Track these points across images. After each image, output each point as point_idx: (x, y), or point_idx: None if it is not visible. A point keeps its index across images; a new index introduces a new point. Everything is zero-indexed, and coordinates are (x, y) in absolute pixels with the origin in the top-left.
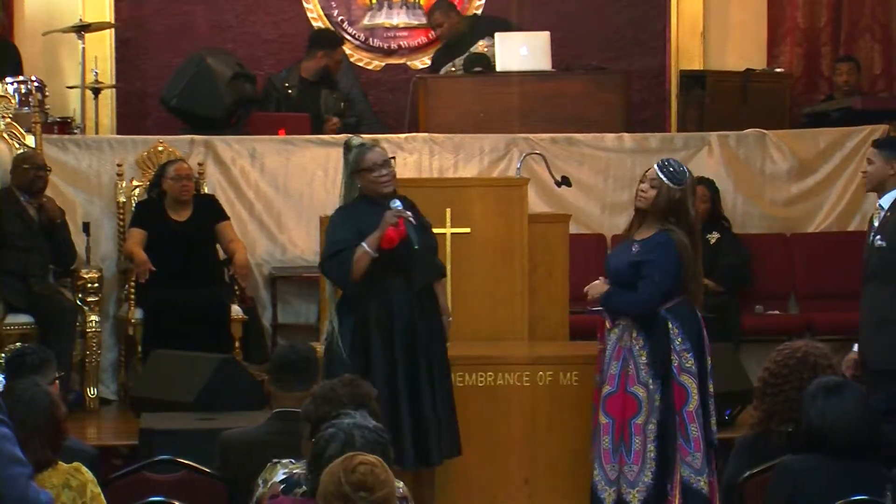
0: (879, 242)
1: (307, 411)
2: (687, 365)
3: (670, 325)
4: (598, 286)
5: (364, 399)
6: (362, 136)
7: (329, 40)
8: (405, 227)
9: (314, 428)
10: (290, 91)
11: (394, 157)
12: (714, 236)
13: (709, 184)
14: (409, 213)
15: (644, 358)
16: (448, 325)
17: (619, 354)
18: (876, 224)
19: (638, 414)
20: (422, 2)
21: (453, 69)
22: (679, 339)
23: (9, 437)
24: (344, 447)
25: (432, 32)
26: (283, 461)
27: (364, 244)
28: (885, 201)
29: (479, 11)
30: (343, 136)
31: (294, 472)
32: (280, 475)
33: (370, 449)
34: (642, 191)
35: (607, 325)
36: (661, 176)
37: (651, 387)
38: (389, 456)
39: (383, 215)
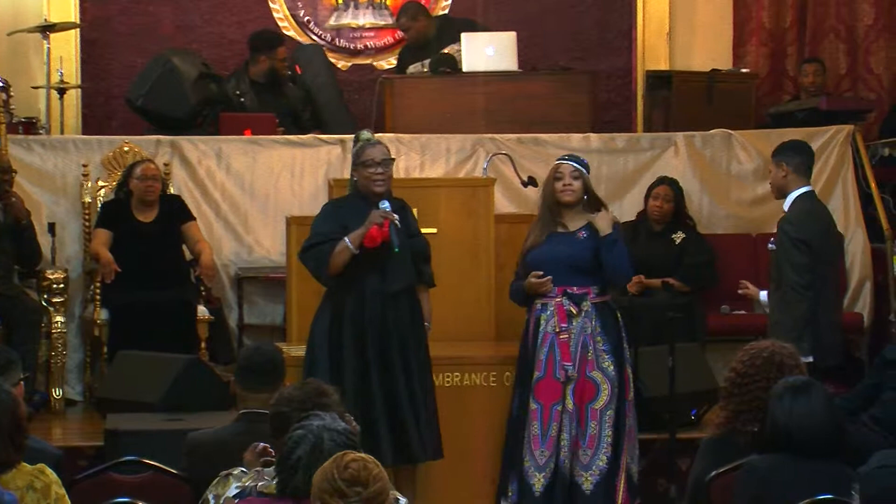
0: (771, 246)
1: (272, 409)
2: (627, 355)
3: (618, 315)
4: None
5: (324, 404)
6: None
7: (267, 42)
8: (389, 228)
9: (276, 431)
10: (242, 100)
11: (393, 159)
12: (679, 236)
13: (672, 183)
14: (395, 215)
15: (601, 344)
16: (427, 331)
17: (580, 341)
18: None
19: (596, 399)
20: (388, 2)
21: (423, 69)
22: (623, 331)
23: None
24: (313, 449)
25: (399, 33)
26: (235, 472)
27: (346, 239)
28: (786, 204)
29: (446, 12)
30: (307, 137)
31: (246, 484)
32: (233, 489)
33: (338, 452)
34: (567, 185)
35: (573, 311)
36: (580, 167)
37: (612, 373)
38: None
39: (369, 213)
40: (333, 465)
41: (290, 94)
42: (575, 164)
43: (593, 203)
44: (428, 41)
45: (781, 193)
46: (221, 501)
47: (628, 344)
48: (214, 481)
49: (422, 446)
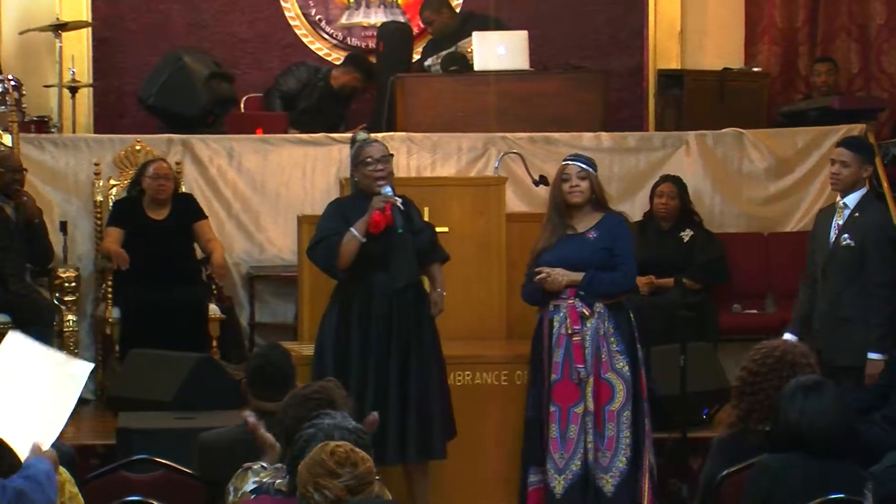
0: (847, 241)
1: (280, 421)
2: (640, 355)
3: (631, 315)
4: (561, 272)
5: (333, 406)
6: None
7: (364, 66)
8: (392, 212)
9: (288, 435)
10: (321, 82)
11: (392, 155)
12: (688, 234)
13: (675, 180)
14: (397, 198)
15: (615, 345)
16: (440, 298)
17: (593, 343)
18: (840, 222)
19: (612, 400)
20: (400, 1)
21: (438, 61)
22: (636, 330)
23: None
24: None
25: (422, 25)
26: (255, 467)
27: (352, 229)
28: (851, 200)
29: (457, 10)
30: (318, 136)
31: (264, 480)
32: (251, 484)
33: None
34: (575, 186)
35: (586, 312)
36: (587, 167)
37: (627, 374)
38: (370, 457)
39: (371, 200)
40: (320, 452)
41: (342, 112)
42: (581, 165)
43: (601, 202)
44: (451, 35)
45: (849, 190)
46: (239, 495)
47: (640, 344)
48: (236, 473)
49: (400, 450)
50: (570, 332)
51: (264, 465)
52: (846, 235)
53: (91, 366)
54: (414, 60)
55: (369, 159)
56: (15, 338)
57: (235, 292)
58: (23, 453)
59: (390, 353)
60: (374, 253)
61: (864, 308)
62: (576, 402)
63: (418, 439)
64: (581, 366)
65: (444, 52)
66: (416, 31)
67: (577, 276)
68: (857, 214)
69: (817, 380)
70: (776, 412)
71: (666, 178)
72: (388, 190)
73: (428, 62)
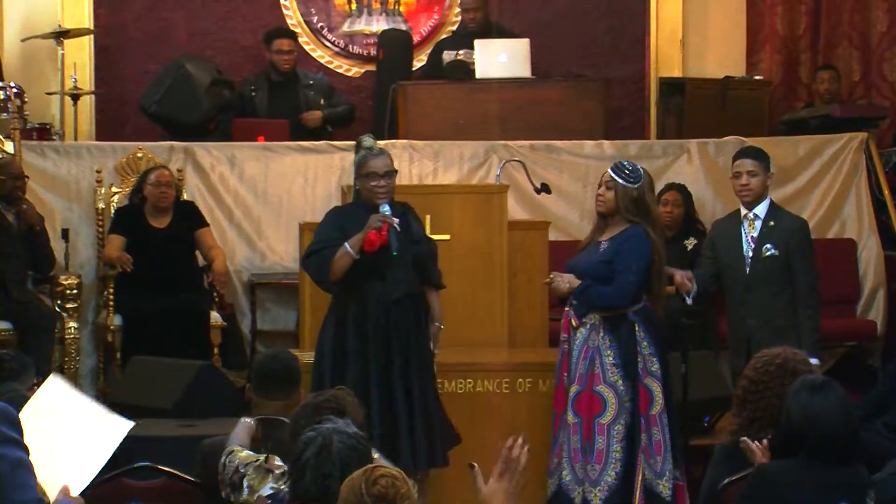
0: (772, 251)
1: (291, 431)
2: (652, 368)
3: (637, 328)
4: (566, 278)
5: (344, 415)
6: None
7: (267, 35)
8: (388, 232)
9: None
10: (253, 95)
11: (396, 171)
12: (691, 242)
13: (681, 189)
14: (395, 219)
15: (611, 358)
16: (438, 332)
17: (586, 354)
18: (755, 234)
19: (603, 413)
20: (402, 9)
21: (454, 56)
22: (645, 343)
23: (26, 464)
24: (321, 451)
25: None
26: (276, 472)
27: (346, 244)
28: (761, 210)
29: (460, 19)
30: (320, 143)
31: (281, 488)
32: (267, 489)
33: (347, 454)
34: (600, 195)
35: (574, 323)
36: (616, 177)
37: (621, 388)
38: (368, 463)
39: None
40: (362, 478)
41: (304, 94)
42: (611, 173)
43: (624, 217)
44: (476, 33)
45: (759, 201)
46: (255, 497)
47: (660, 359)
48: (253, 466)
49: (412, 458)
50: (562, 339)
51: (282, 464)
52: (768, 245)
53: (132, 424)
54: (415, 68)
55: (373, 173)
56: (55, 382)
57: (237, 300)
58: (52, 494)
59: (392, 363)
60: (372, 263)
61: (795, 315)
62: (565, 410)
63: (425, 448)
64: (565, 373)
65: (464, 50)
66: (416, 39)
67: (574, 283)
68: (772, 223)
69: (824, 380)
70: (780, 416)
71: (671, 187)
72: (385, 208)
73: (446, 54)
